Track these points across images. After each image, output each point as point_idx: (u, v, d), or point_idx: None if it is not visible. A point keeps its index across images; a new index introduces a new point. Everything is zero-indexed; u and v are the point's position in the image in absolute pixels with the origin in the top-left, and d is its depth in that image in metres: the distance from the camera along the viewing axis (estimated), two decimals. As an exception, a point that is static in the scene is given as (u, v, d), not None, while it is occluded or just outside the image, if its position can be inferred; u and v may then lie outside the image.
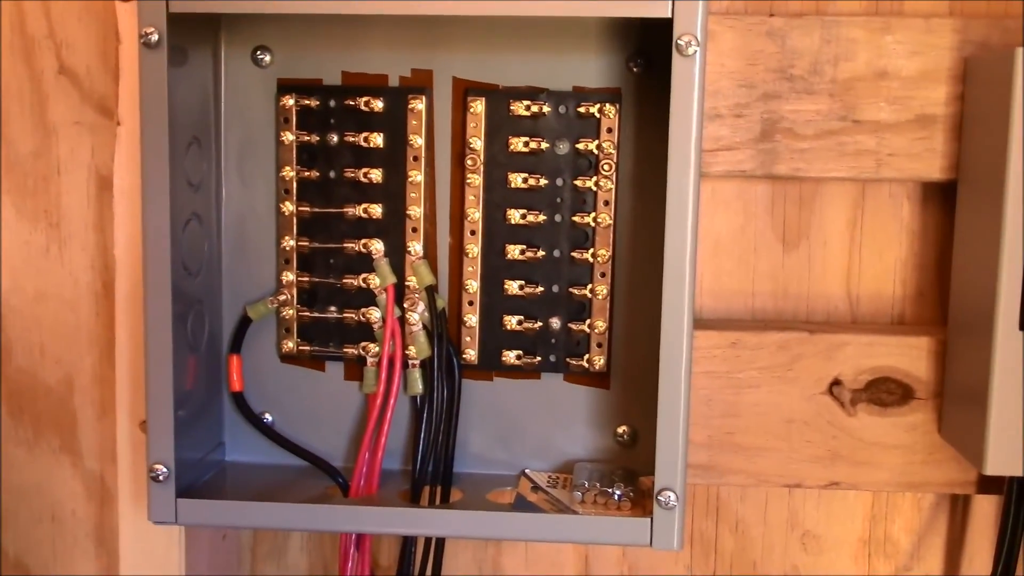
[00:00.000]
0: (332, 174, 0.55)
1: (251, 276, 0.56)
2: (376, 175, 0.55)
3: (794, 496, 0.63)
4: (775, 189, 0.60)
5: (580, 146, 0.54)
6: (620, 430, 0.56)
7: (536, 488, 0.55)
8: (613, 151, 0.54)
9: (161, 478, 0.50)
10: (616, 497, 0.53)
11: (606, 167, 0.54)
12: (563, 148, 0.54)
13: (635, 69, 0.54)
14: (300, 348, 0.57)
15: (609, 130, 0.54)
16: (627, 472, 0.55)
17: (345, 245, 0.55)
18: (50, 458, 0.62)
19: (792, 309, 0.61)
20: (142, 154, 0.48)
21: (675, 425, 0.48)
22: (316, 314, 0.56)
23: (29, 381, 0.61)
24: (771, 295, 0.61)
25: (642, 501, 0.53)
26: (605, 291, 0.55)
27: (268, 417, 0.58)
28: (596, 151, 0.54)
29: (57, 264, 0.60)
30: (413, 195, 0.55)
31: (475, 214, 0.55)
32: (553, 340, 0.55)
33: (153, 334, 0.50)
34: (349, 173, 0.55)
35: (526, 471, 0.57)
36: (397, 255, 0.55)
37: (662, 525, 0.49)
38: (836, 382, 0.58)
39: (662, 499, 0.49)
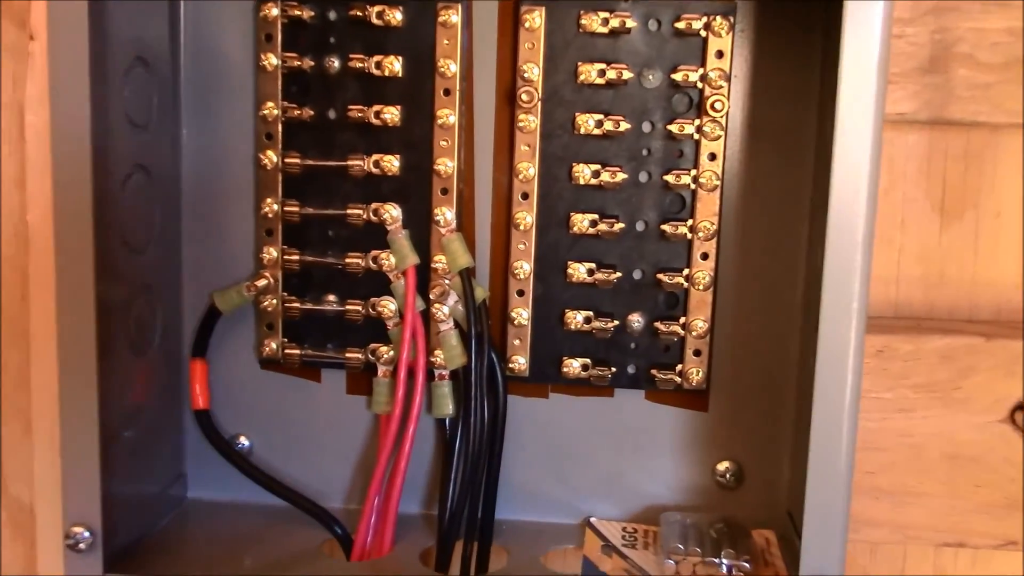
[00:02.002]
0: (332, 113, 0.48)
1: (220, 253, 0.50)
2: (392, 115, 0.47)
3: (942, 552, 0.53)
4: (933, 139, 0.50)
5: (678, 76, 0.46)
6: (721, 467, 0.49)
7: (608, 547, 0.46)
8: (724, 84, 0.45)
9: (82, 546, 0.41)
10: (725, 568, 0.43)
11: (717, 106, 0.45)
12: (654, 79, 0.46)
13: (755, -31, 0.45)
14: (287, 351, 0.50)
15: (719, 54, 0.45)
16: (731, 526, 0.47)
17: (349, 211, 0.49)
18: (-33, 482, 0.55)
19: (949, 303, 0.51)
20: (50, 76, 0.40)
21: (836, 484, 0.39)
22: (309, 305, 0.50)
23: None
24: (921, 283, 0.51)
25: (759, 573, 0.43)
26: (707, 278, 0.47)
27: (243, 442, 0.52)
28: (700, 84, 0.46)
29: (-29, 232, 0.53)
30: (444, 143, 0.48)
31: (529, 170, 0.47)
32: (633, 345, 0.49)
33: (69, 336, 0.41)
34: (355, 112, 0.48)
35: (592, 520, 0.49)
36: (420, 226, 0.48)
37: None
38: (1021, 406, 0.49)
39: (814, 594, 0.39)
